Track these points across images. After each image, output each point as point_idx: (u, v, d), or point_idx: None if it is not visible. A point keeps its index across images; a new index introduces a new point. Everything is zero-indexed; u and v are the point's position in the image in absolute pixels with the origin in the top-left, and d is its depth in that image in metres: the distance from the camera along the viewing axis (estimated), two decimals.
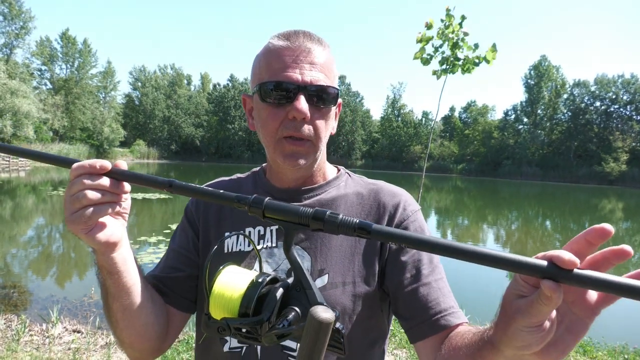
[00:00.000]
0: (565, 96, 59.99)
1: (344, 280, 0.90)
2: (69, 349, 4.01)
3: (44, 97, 51.43)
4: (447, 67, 4.43)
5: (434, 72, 4.57)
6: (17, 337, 4.13)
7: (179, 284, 0.98)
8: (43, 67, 55.15)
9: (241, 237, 0.97)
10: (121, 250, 0.79)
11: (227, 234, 0.99)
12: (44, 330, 4.37)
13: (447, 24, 4.27)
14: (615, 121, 56.11)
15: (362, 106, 73.54)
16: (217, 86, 73.11)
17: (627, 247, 0.46)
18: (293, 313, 0.56)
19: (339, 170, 1.06)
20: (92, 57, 58.28)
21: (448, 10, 4.25)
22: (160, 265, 1.02)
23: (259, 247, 0.95)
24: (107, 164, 0.71)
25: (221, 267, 0.62)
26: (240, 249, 0.96)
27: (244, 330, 0.58)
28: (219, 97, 70.27)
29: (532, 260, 0.46)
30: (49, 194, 18.85)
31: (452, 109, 72.27)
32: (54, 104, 51.46)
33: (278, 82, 0.85)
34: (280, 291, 0.59)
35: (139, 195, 16.37)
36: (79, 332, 4.40)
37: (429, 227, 1.00)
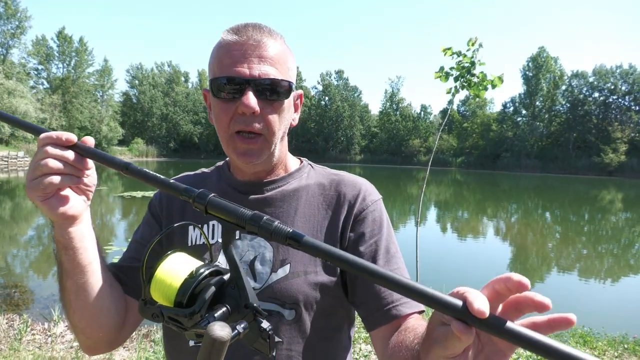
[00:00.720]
0: (563, 87, 59.64)
1: (306, 269, 0.91)
2: (71, 347, 4.02)
3: (41, 96, 51.09)
4: (463, 83, 4.81)
5: (448, 91, 4.93)
6: (20, 337, 4.15)
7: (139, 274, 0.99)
8: (40, 67, 54.85)
9: (206, 230, 0.98)
10: (80, 225, 0.79)
11: (189, 227, 1.00)
12: (46, 329, 4.39)
13: (467, 50, 4.69)
14: (614, 112, 55.90)
15: (360, 101, 73.35)
16: None
17: (546, 301, 0.47)
18: (223, 310, 0.55)
19: (301, 161, 1.07)
20: (89, 55, 57.91)
21: (470, 40, 4.63)
22: (123, 256, 1.02)
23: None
24: (72, 137, 0.72)
25: (169, 253, 0.62)
26: (203, 242, 0.97)
27: (177, 319, 0.58)
28: None
29: (447, 298, 0.47)
30: None
31: (450, 102, 71.94)
32: (51, 104, 51.15)
33: (228, 78, 0.85)
34: (213, 287, 0.59)
35: (139, 194, 16.37)
36: None
37: (388, 216, 1.02)
